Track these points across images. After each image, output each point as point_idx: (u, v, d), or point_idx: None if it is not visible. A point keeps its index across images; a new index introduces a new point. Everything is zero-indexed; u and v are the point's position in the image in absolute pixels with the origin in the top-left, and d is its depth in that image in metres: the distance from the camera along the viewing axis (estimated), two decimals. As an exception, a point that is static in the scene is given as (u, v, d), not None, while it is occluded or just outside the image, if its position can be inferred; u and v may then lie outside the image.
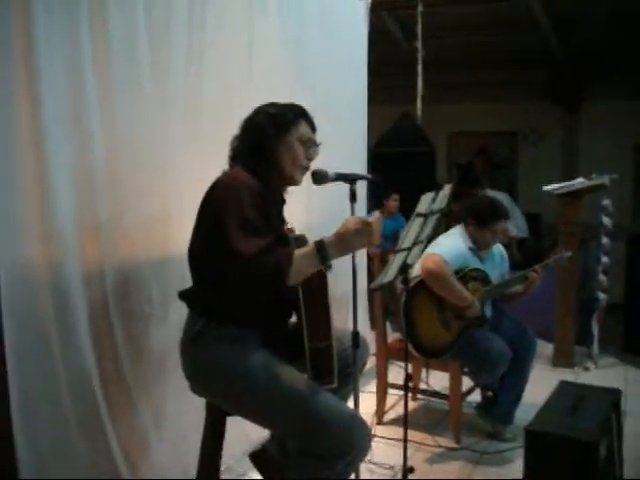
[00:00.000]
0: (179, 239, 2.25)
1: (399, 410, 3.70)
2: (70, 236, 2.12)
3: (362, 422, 1.92)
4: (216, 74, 2.73)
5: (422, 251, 2.74)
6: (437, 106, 7.21)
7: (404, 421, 2.34)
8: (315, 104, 3.55)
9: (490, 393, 3.48)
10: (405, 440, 2.43)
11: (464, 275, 3.19)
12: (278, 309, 1.98)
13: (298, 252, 1.81)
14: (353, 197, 2.05)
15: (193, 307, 2.02)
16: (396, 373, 3.66)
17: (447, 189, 2.12)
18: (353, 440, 1.84)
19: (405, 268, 2.10)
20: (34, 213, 2.02)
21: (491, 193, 5.80)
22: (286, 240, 1.98)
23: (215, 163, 2.16)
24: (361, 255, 3.94)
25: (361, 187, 4.09)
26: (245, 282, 1.76)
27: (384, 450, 3.18)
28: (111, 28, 2.20)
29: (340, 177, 2.06)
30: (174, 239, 2.42)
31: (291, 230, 2.35)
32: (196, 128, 2.59)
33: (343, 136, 3.79)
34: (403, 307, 3.14)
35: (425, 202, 1.90)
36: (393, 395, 3.72)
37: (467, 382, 3.41)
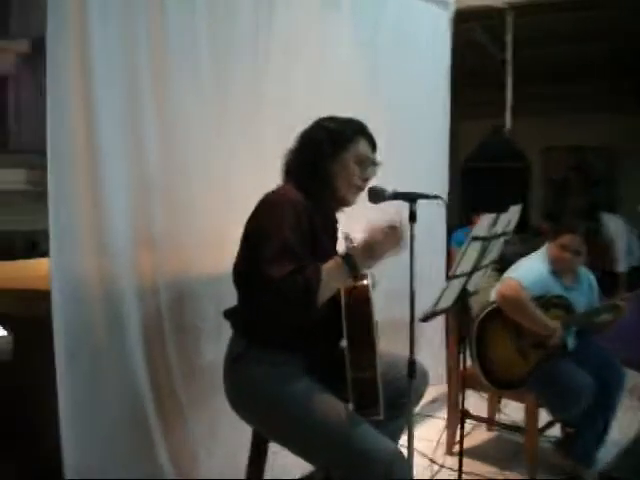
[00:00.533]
0: (235, 255, 2.21)
1: (472, 441, 3.51)
2: (124, 250, 2.12)
3: (403, 458, 1.79)
4: (282, 76, 2.68)
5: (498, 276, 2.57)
6: (531, 119, 6.93)
7: (459, 455, 2.16)
8: (390, 116, 3.46)
9: (571, 429, 3.20)
10: (460, 470, 2.23)
11: (546, 302, 2.96)
12: (325, 333, 1.88)
13: (326, 266, 1.73)
14: (412, 217, 1.92)
15: (236, 327, 1.97)
16: (472, 400, 3.47)
17: (514, 211, 1.95)
18: (393, 476, 1.71)
19: (464, 295, 1.94)
20: (88, 226, 2.04)
21: (605, 217, 5.46)
22: None
23: (276, 179, 2.09)
24: (438, 273, 3.74)
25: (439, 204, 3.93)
26: (276, 304, 1.69)
27: (453, 484, 3.00)
28: (170, 28, 2.20)
29: (398, 196, 1.94)
30: (230, 255, 2.37)
31: (356, 249, 2.25)
32: (258, 139, 2.54)
33: (420, 151, 3.66)
34: (475, 333, 2.95)
35: (483, 225, 1.74)
36: (467, 424, 3.52)
37: (546, 414, 3.16)
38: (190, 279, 2.39)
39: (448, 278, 1.73)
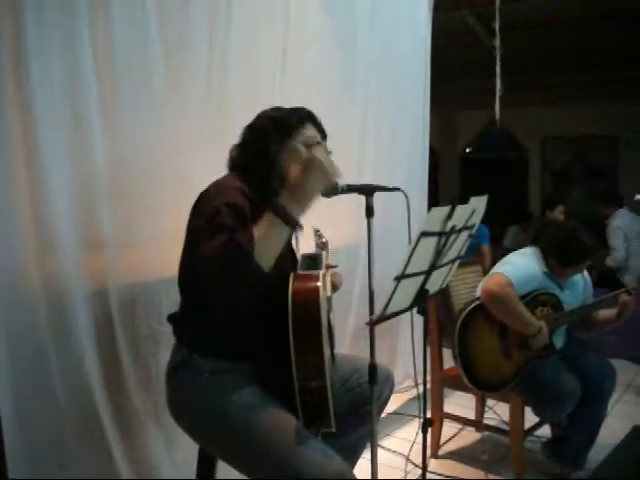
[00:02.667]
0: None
1: (460, 442, 3.39)
2: (68, 251, 2.02)
3: (348, 476, 1.64)
4: (243, 75, 2.56)
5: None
6: (530, 109, 6.77)
7: (422, 460, 2.03)
8: (365, 107, 3.34)
9: (560, 430, 3.06)
10: (424, 473, 2.11)
11: (533, 298, 2.81)
12: (272, 339, 1.74)
13: (258, 224, 1.57)
14: (369, 212, 1.80)
15: (176, 334, 1.85)
16: (457, 399, 3.42)
17: (477, 202, 1.81)
18: None
19: (424, 296, 1.81)
20: (28, 225, 1.93)
21: (622, 213, 5.27)
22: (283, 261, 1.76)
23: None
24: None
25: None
26: (215, 277, 1.51)
27: (435, 488, 2.88)
28: (114, 22, 2.09)
29: (353, 189, 1.83)
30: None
31: (324, 244, 2.14)
32: (217, 135, 2.39)
33: (400, 144, 3.54)
34: (458, 332, 2.81)
35: (434, 219, 1.61)
36: (452, 426, 3.41)
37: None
38: (147, 281, 2.29)
39: (396, 279, 1.60)
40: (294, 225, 1.61)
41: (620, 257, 5.14)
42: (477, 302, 2.82)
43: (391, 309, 1.66)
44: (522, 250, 3.04)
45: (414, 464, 3.03)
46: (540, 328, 2.73)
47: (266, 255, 1.54)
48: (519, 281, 2.74)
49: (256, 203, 1.70)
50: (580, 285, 3.03)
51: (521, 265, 2.87)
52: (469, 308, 2.83)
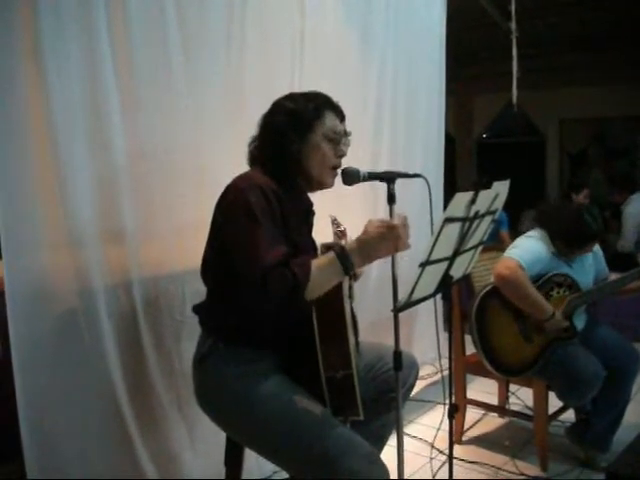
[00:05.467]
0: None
1: (484, 428, 3.38)
2: (91, 242, 2.03)
3: (376, 462, 1.66)
4: (261, 64, 2.55)
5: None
6: (548, 91, 6.69)
7: (449, 447, 2.02)
8: (380, 93, 3.31)
9: (584, 414, 3.04)
10: (450, 464, 2.09)
11: (547, 280, 2.80)
12: (298, 329, 1.74)
13: (317, 261, 1.60)
14: (391, 198, 1.80)
15: (203, 324, 1.85)
16: (480, 385, 3.43)
17: (500, 187, 1.79)
18: None
19: (448, 282, 1.80)
20: (50, 219, 1.94)
21: (634, 198, 5.19)
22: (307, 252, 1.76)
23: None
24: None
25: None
26: (259, 299, 1.55)
27: (461, 473, 2.87)
28: (132, 12, 2.08)
29: (374, 176, 1.83)
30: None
31: (342, 232, 2.12)
32: (237, 128, 2.35)
33: (416, 130, 3.51)
34: (475, 316, 2.81)
35: (458, 204, 1.59)
36: (476, 412, 3.40)
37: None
38: (169, 272, 2.30)
39: (421, 265, 1.60)
40: (351, 273, 1.62)
41: (629, 244, 5.10)
42: (489, 288, 2.82)
43: (416, 295, 1.65)
44: (529, 232, 3.02)
45: (439, 450, 3.03)
46: (553, 313, 2.71)
47: (313, 294, 1.58)
48: (528, 262, 2.74)
49: (282, 194, 1.72)
50: (589, 258, 2.99)
51: (529, 246, 2.87)
52: (482, 293, 2.83)
